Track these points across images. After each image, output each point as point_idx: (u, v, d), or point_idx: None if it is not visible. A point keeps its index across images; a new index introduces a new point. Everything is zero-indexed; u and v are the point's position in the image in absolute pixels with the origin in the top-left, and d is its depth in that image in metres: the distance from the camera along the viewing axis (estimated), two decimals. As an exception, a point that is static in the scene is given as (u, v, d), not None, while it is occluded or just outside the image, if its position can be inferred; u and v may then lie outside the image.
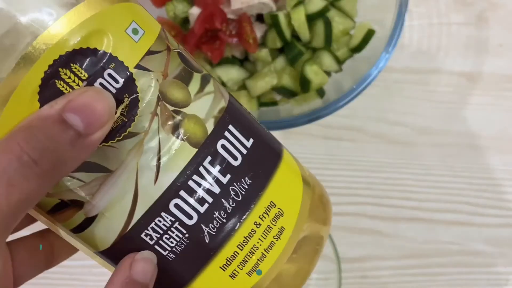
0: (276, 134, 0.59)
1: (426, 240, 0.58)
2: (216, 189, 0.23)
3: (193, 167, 0.23)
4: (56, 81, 0.21)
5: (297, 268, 0.26)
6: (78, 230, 0.23)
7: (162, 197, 0.23)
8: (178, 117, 0.23)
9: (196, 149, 0.23)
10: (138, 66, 0.22)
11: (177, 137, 0.23)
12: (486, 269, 0.58)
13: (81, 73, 0.21)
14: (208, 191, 0.23)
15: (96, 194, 0.22)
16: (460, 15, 0.61)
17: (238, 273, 0.24)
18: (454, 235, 0.58)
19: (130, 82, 0.22)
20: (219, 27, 0.50)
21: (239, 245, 0.24)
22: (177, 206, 0.23)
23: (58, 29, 0.20)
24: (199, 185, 0.23)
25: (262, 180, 0.25)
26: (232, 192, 0.24)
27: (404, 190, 0.59)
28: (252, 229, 0.24)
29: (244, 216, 0.24)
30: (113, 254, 0.24)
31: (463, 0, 0.61)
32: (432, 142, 0.59)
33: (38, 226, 0.27)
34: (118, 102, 0.22)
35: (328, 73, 0.53)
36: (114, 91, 0.21)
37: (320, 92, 0.52)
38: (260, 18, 0.53)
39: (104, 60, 0.21)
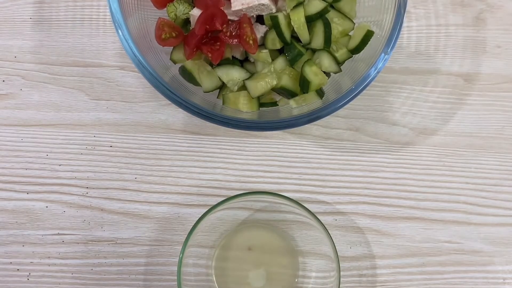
0: (276, 134, 0.60)
1: (424, 239, 0.59)
2: None
3: None
4: None
5: None
6: None
7: None
8: None
9: None
10: None
11: None
12: (483, 267, 0.59)
13: None
14: None
15: None
16: (458, 16, 0.61)
17: None
18: (451, 234, 0.59)
19: None
20: (219, 28, 0.50)
21: None
22: None
23: None
24: None
25: None
26: None
27: (403, 189, 0.59)
28: None
29: None
30: None
31: (461, 2, 0.61)
32: (430, 142, 0.60)
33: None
34: None
35: (327, 74, 0.53)
36: None
37: (320, 93, 0.53)
38: (260, 19, 0.53)
39: None
